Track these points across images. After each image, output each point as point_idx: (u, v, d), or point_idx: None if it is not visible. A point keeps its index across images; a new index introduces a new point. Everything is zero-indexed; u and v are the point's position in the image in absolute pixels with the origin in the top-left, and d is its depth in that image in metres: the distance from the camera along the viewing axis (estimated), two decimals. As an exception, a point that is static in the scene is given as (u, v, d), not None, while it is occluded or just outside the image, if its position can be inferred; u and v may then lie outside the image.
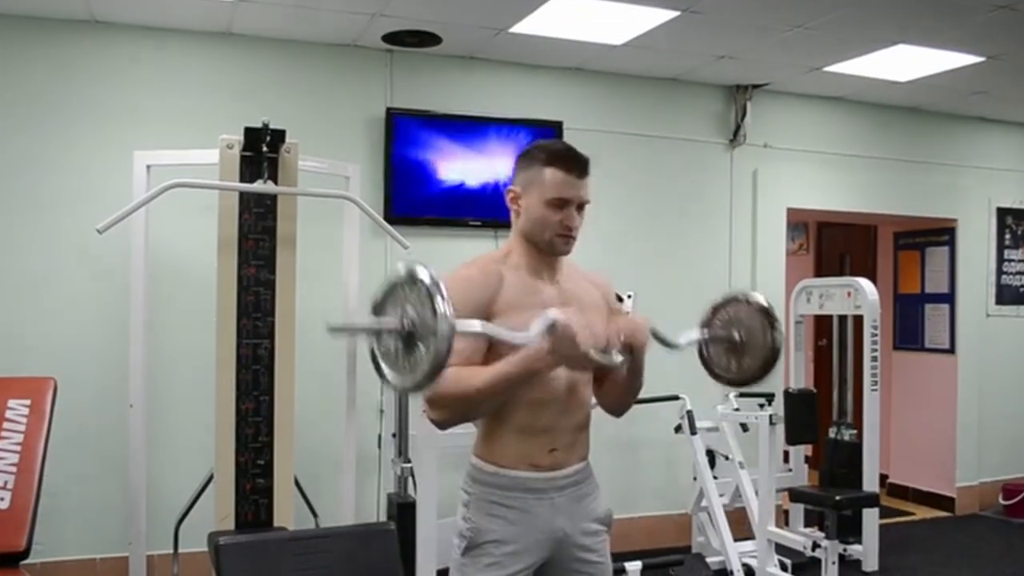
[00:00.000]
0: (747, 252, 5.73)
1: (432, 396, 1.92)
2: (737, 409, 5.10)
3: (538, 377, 1.94)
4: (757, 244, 5.75)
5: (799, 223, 7.62)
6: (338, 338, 1.73)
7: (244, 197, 3.77)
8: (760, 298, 2.16)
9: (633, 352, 2.04)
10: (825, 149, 5.93)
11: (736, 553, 4.53)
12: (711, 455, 4.92)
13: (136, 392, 4.01)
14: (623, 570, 3.81)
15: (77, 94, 4.37)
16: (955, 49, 4.83)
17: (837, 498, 4.52)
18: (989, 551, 5.43)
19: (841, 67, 5.20)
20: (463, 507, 2.09)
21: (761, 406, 4.95)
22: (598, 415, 2.28)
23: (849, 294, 5.26)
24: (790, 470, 5.43)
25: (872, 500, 4.78)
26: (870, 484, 4.92)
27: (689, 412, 4.86)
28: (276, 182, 3.81)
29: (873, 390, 5.07)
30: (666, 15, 4.34)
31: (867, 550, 4.95)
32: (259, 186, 3.76)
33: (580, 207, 2.08)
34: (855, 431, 5.29)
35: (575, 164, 2.06)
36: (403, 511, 3.97)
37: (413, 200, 4.91)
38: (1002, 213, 6.59)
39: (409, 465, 4.14)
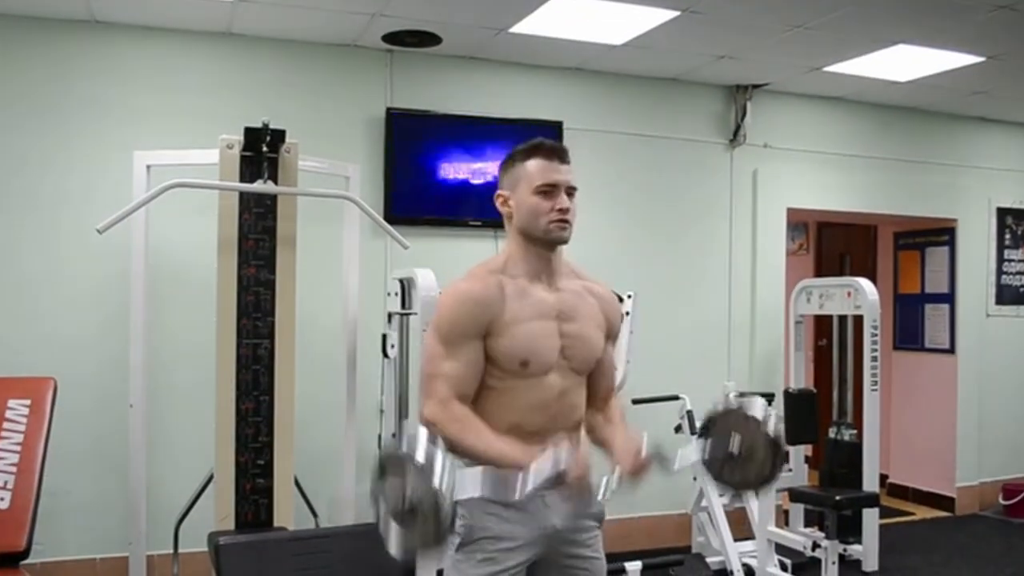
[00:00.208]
0: (747, 252, 5.73)
1: (432, 428, 1.99)
2: (737, 409, 5.09)
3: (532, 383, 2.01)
4: (757, 244, 5.75)
5: (799, 223, 7.61)
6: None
7: (244, 197, 3.77)
8: (756, 409, 2.10)
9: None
10: (825, 149, 5.93)
11: (736, 553, 4.53)
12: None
13: (136, 392, 4.01)
14: (623, 570, 3.81)
15: (77, 94, 4.37)
16: (955, 49, 4.83)
17: (837, 498, 4.53)
18: (989, 551, 5.43)
19: (841, 67, 5.20)
20: (458, 506, 2.09)
21: (761, 406, 4.94)
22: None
23: (849, 294, 5.26)
24: (790, 470, 5.42)
25: (872, 500, 4.78)
26: (870, 484, 4.92)
27: (689, 412, 4.86)
28: (276, 182, 3.81)
29: (873, 390, 5.07)
30: (666, 15, 4.34)
31: (867, 550, 4.95)
32: (259, 186, 3.76)
33: (569, 193, 2.09)
34: (855, 431, 5.29)
35: (554, 151, 2.10)
36: (403, 511, 3.96)
37: (413, 200, 4.91)
38: (1002, 213, 6.59)
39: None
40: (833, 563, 4.49)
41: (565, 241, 2.10)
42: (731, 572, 4.54)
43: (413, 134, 4.91)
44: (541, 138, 2.15)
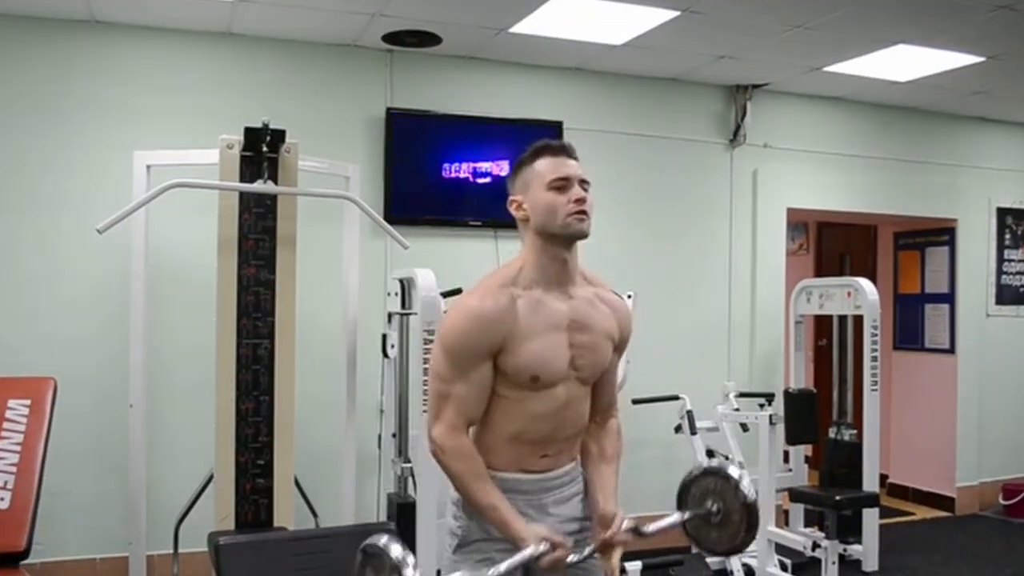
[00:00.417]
0: (747, 252, 5.73)
1: (439, 460, 2.01)
2: (737, 409, 5.10)
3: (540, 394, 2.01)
4: (757, 244, 5.75)
5: (799, 223, 7.62)
6: None
7: (244, 197, 3.77)
8: (743, 482, 2.06)
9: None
10: (825, 149, 5.93)
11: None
12: (711, 455, 4.92)
13: (136, 392, 4.01)
14: (623, 570, 3.81)
15: (77, 94, 4.37)
16: (955, 49, 4.83)
17: (837, 498, 4.53)
18: (989, 551, 5.43)
19: (841, 67, 5.20)
20: (453, 506, 2.11)
21: (761, 406, 4.95)
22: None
23: (849, 294, 5.26)
24: (790, 470, 5.44)
25: (872, 500, 4.78)
26: (870, 484, 4.92)
27: (689, 412, 4.87)
28: (276, 182, 3.80)
29: (873, 390, 5.07)
30: (666, 15, 4.34)
31: (867, 550, 4.95)
32: (259, 186, 3.76)
33: (582, 185, 2.04)
34: (855, 431, 5.29)
35: (561, 148, 2.08)
36: (403, 511, 3.97)
37: (413, 200, 4.91)
38: (1002, 213, 6.59)
39: (409, 465, 4.14)
40: (833, 563, 4.49)
41: (585, 234, 2.03)
42: (731, 572, 4.54)
43: (413, 134, 4.91)
44: (545, 139, 2.12)
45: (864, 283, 5.20)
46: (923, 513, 6.34)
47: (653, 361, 4.98)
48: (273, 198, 3.81)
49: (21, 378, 3.65)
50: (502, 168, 5.00)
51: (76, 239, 4.28)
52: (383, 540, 1.73)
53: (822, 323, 6.72)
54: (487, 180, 5.01)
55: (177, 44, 4.54)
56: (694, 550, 5.00)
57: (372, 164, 4.80)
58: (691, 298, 5.57)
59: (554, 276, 2.05)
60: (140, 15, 4.36)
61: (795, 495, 4.97)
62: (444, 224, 4.98)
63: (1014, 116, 6.43)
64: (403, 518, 3.89)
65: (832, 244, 7.77)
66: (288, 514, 3.80)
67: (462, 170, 4.99)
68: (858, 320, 5.27)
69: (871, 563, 4.95)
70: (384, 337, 4.33)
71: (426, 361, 3.53)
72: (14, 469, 3.29)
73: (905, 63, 5.11)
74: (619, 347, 2.18)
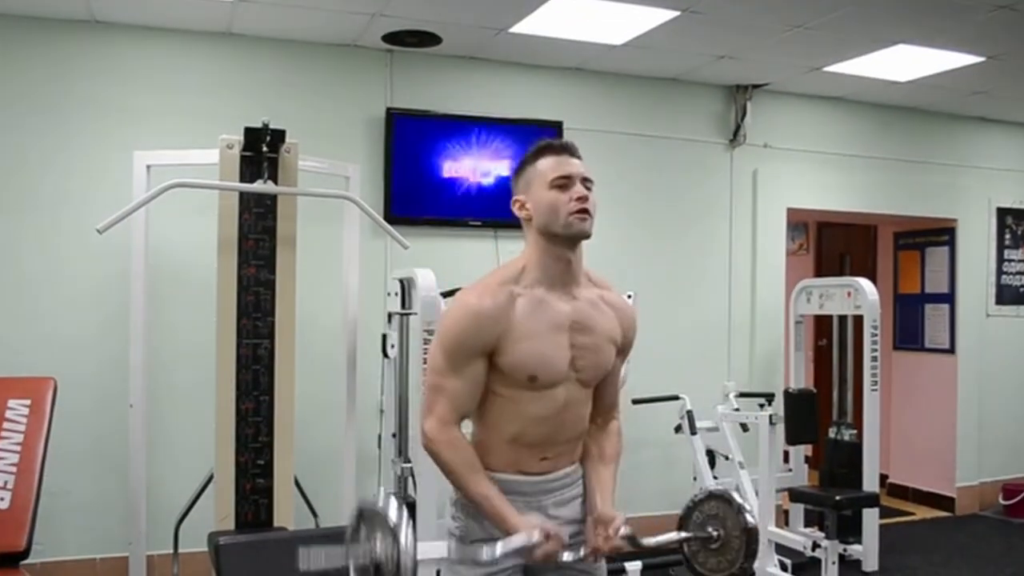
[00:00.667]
0: (747, 252, 5.73)
1: (431, 452, 2.00)
2: (737, 409, 5.10)
3: (538, 395, 2.00)
4: (757, 244, 5.75)
5: (799, 223, 7.62)
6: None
7: (244, 197, 3.77)
8: (746, 508, 2.07)
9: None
10: (825, 149, 5.93)
11: (736, 553, 4.52)
12: (711, 455, 4.92)
13: (136, 392, 4.01)
14: (623, 570, 3.80)
15: (77, 94, 4.37)
16: (955, 49, 4.83)
17: (837, 498, 4.52)
18: (989, 551, 5.43)
19: (841, 67, 5.20)
20: (451, 506, 2.10)
21: (761, 406, 4.95)
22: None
23: (849, 294, 5.26)
24: (790, 470, 5.43)
25: (872, 500, 4.78)
26: (870, 484, 4.92)
27: (689, 412, 4.87)
28: (276, 182, 3.80)
29: (873, 390, 5.07)
30: (666, 15, 4.34)
31: (867, 550, 4.95)
32: (259, 186, 3.76)
33: (585, 184, 2.03)
34: (855, 431, 5.29)
35: (563, 147, 2.06)
36: (403, 511, 3.96)
37: (413, 200, 4.91)
38: (1002, 213, 6.59)
39: (409, 465, 4.14)
40: (833, 563, 4.49)
41: (587, 234, 2.02)
42: (731, 572, 4.53)
43: (413, 134, 4.91)
44: (548, 138, 2.12)
45: (864, 283, 5.20)
46: (923, 513, 6.34)
47: (653, 361, 4.97)
48: (273, 198, 3.81)
49: (21, 378, 3.65)
50: (502, 168, 5.00)
51: (76, 239, 4.28)
52: (380, 501, 1.74)
53: (822, 323, 6.72)
54: (487, 180, 5.01)
55: (177, 44, 4.54)
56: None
57: (372, 164, 4.80)
58: (691, 298, 5.57)
59: (557, 276, 2.04)
60: (140, 15, 4.36)
61: (795, 495, 4.97)
62: (444, 224, 4.98)
63: (1014, 116, 6.43)
64: (403, 518, 3.88)
65: (832, 244, 7.77)
66: (288, 514, 3.80)
67: (462, 170, 4.99)
68: (858, 320, 5.27)
69: (871, 563, 4.95)
70: (384, 337, 4.33)
71: (426, 361, 3.53)
72: (14, 469, 3.29)
73: (905, 63, 5.11)
74: (622, 350, 2.16)
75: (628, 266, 5.19)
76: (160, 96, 4.48)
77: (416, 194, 4.92)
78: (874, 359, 5.08)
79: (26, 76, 4.30)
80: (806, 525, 5.29)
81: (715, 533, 2.04)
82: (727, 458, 4.96)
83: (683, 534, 2.08)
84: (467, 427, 2.14)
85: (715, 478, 4.83)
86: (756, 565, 4.71)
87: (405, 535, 1.67)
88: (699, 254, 5.62)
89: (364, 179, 4.55)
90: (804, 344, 5.76)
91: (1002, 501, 6.28)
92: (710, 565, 2.07)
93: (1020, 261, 6.68)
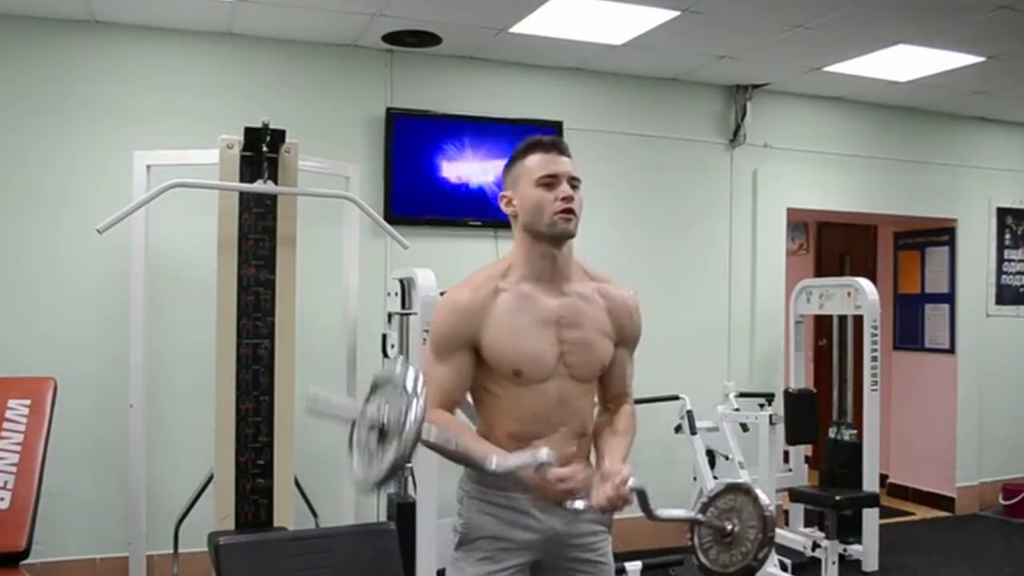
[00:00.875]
0: (747, 252, 5.73)
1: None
2: (737, 409, 5.10)
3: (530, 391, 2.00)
4: (757, 244, 5.75)
5: (799, 223, 7.62)
6: (315, 416, 1.82)
7: (244, 197, 3.77)
8: (763, 497, 2.02)
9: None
10: (825, 149, 5.93)
11: (736, 553, 4.52)
12: (711, 455, 4.92)
13: (136, 392, 4.01)
14: (623, 570, 3.81)
15: (77, 94, 4.37)
16: (955, 49, 4.83)
17: (837, 498, 4.53)
18: (989, 551, 5.43)
19: (841, 67, 5.20)
20: (458, 503, 2.11)
21: (761, 406, 4.95)
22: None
23: (849, 294, 5.26)
24: (790, 470, 5.44)
25: (872, 500, 4.78)
26: (870, 484, 4.92)
27: (689, 412, 4.87)
28: (276, 182, 3.80)
29: (873, 390, 5.07)
30: (666, 15, 4.34)
31: (867, 550, 4.95)
32: (259, 186, 3.76)
33: (572, 183, 2.03)
34: (855, 431, 5.30)
35: (551, 144, 2.07)
36: (403, 511, 3.96)
37: (413, 200, 4.91)
38: (1002, 213, 6.59)
39: (409, 465, 4.14)
40: (833, 563, 4.50)
41: (571, 234, 2.03)
42: (731, 572, 4.53)
43: (413, 134, 4.91)
44: (538, 135, 2.13)
45: (864, 283, 5.21)
46: (923, 513, 6.34)
47: (653, 361, 4.92)
48: (273, 198, 3.81)
49: (21, 378, 3.65)
50: (502, 168, 4.99)
51: (76, 239, 4.28)
52: (397, 367, 1.75)
53: (822, 323, 6.72)
54: (487, 180, 5.01)
55: (177, 44, 4.54)
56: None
57: (372, 164, 4.80)
58: (691, 298, 5.56)
59: (544, 272, 2.06)
60: (140, 15, 4.36)
61: (795, 495, 4.97)
62: (444, 224, 4.98)
63: (1014, 116, 6.43)
64: (403, 518, 3.89)
65: (832, 244, 7.77)
66: (288, 514, 3.80)
67: (462, 170, 4.99)
68: (858, 320, 5.27)
69: (871, 563, 4.95)
70: (384, 337, 4.33)
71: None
72: (14, 469, 3.29)
73: (905, 63, 5.11)
74: (622, 341, 2.16)
75: (628, 266, 5.18)
76: (160, 96, 4.48)
77: (416, 194, 4.92)
78: (874, 359, 5.08)
79: (26, 76, 4.30)
80: (806, 525, 5.29)
81: (730, 527, 2.03)
82: (727, 458, 4.96)
83: (699, 516, 2.06)
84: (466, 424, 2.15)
85: (715, 478, 4.83)
86: (756, 565, 4.70)
87: (413, 409, 1.66)
88: (699, 254, 5.62)
89: (364, 179, 4.55)
90: (804, 344, 5.76)
91: (1002, 501, 6.28)
92: (722, 561, 2.03)
93: (1020, 261, 6.68)
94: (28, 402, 3.46)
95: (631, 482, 1.94)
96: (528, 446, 2.00)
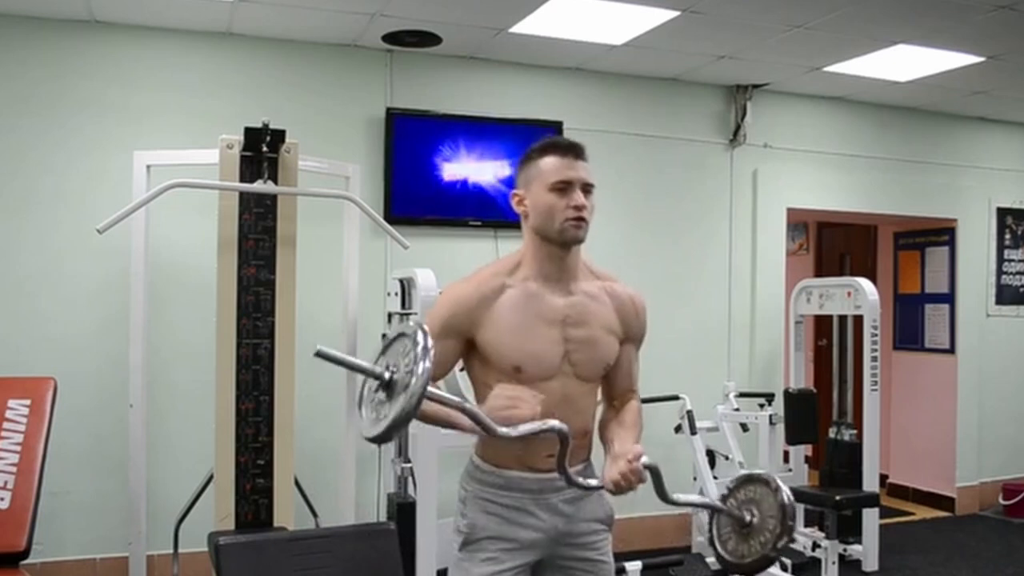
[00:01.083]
0: (747, 252, 5.73)
1: None
2: (737, 409, 5.10)
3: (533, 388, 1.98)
4: (757, 244, 5.75)
5: (799, 223, 7.62)
6: (324, 359, 1.82)
7: (244, 197, 3.77)
8: (784, 488, 2.02)
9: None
10: (825, 149, 5.93)
11: (736, 553, 4.52)
12: (711, 455, 4.92)
13: (136, 392, 4.01)
14: (623, 570, 3.81)
15: (77, 94, 4.37)
16: (955, 49, 4.83)
17: (837, 498, 4.53)
18: (989, 551, 5.43)
19: (841, 67, 5.20)
20: (460, 503, 2.11)
21: (761, 406, 4.95)
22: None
23: (849, 294, 5.26)
24: (790, 470, 5.43)
25: (872, 500, 4.78)
26: (870, 484, 4.92)
27: (689, 412, 4.87)
28: (276, 182, 3.80)
29: (873, 390, 5.07)
30: (666, 15, 4.34)
31: (867, 550, 4.95)
32: (259, 186, 3.76)
33: (585, 190, 2.04)
34: (855, 431, 5.30)
35: (569, 148, 2.05)
36: (403, 511, 3.97)
37: (413, 200, 4.91)
38: (1002, 213, 6.59)
39: (409, 465, 4.14)
40: (833, 563, 4.49)
41: (580, 241, 2.05)
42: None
43: (413, 134, 4.91)
44: (557, 136, 2.12)
45: (864, 283, 5.21)
46: (923, 513, 6.34)
47: (653, 361, 4.92)
48: (273, 198, 3.81)
49: (21, 378, 3.65)
50: (502, 168, 5.00)
51: (76, 239, 4.28)
52: (409, 325, 1.75)
53: (822, 323, 6.72)
54: (487, 180, 5.01)
55: (177, 44, 4.54)
56: (694, 550, 5.02)
57: (372, 164, 4.80)
58: (691, 298, 5.56)
59: (552, 272, 2.06)
60: (140, 15, 4.36)
61: (795, 495, 4.91)
62: (444, 224, 4.98)
63: (1014, 116, 6.43)
64: (403, 518, 3.89)
65: (832, 244, 7.78)
66: (288, 514, 3.80)
67: (462, 170, 4.99)
68: (858, 320, 5.27)
69: (871, 563, 4.95)
70: (384, 337, 4.33)
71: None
72: (14, 469, 3.29)
73: (905, 63, 5.11)
74: (628, 339, 2.17)
75: (628, 266, 5.17)
76: (160, 96, 4.48)
77: (416, 194, 4.92)
78: (874, 359, 5.08)
79: (26, 76, 4.30)
80: (806, 525, 5.28)
81: (748, 517, 2.01)
82: (727, 458, 4.96)
83: (718, 504, 2.04)
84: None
85: (715, 478, 4.83)
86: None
87: (422, 362, 1.65)
88: (699, 254, 5.62)
89: (364, 179, 4.55)
90: (804, 344, 5.76)
91: (1002, 501, 6.28)
92: (740, 551, 2.04)
93: (1020, 261, 6.68)
94: (28, 402, 3.46)
95: (644, 459, 1.94)
96: (529, 445, 2.01)
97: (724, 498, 2.07)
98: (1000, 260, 6.59)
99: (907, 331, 6.72)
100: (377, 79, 4.90)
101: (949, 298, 6.43)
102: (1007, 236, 6.62)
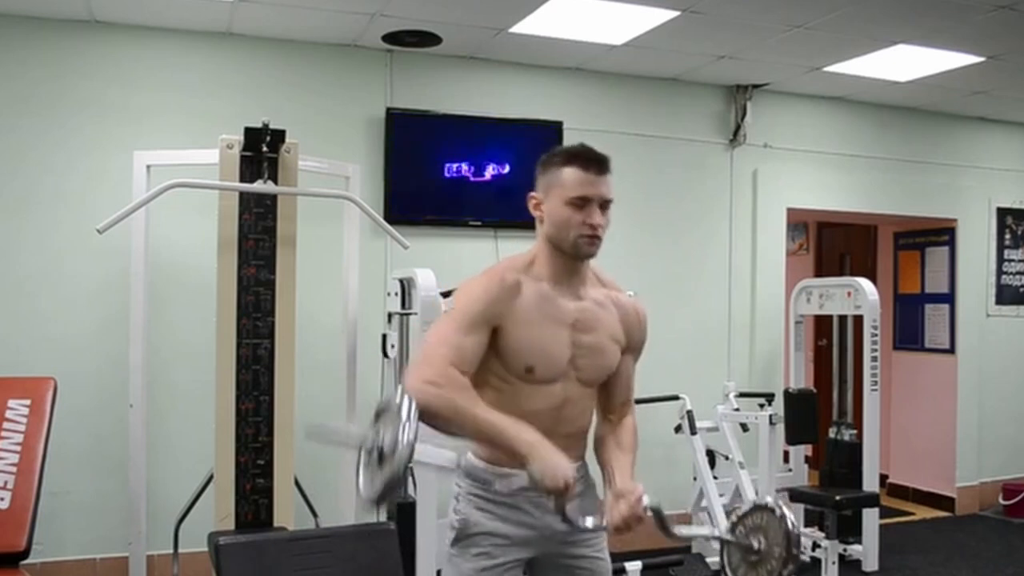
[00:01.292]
0: (747, 252, 5.73)
1: (432, 398, 1.90)
2: (737, 409, 5.10)
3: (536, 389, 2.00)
4: (757, 244, 5.75)
5: (799, 223, 7.62)
6: (315, 440, 1.97)
7: (244, 197, 3.77)
8: (789, 516, 2.00)
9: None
10: (825, 149, 5.93)
11: (736, 553, 4.52)
12: (711, 455, 4.92)
13: (136, 392, 4.01)
14: (623, 570, 3.80)
15: (77, 94, 4.37)
16: (955, 49, 4.83)
17: (837, 498, 4.53)
18: (989, 551, 5.43)
19: (841, 67, 5.20)
20: (454, 500, 2.12)
21: (761, 406, 4.95)
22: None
23: (849, 294, 5.26)
24: (790, 470, 5.43)
25: (872, 500, 4.78)
26: (870, 484, 4.92)
27: (689, 412, 4.86)
28: (276, 182, 3.81)
29: (873, 390, 5.07)
30: (666, 15, 4.34)
31: (867, 550, 4.95)
32: (259, 186, 3.76)
33: (603, 206, 2.04)
34: (855, 431, 5.30)
35: (593, 162, 2.03)
36: (403, 511, 3.97)
37: (413, 200, 4.91)
38: (1002, 213, 6.59)
39: (409, 465, 4.14)
40: (833, 563, 4.50)
41: (591, 256, 2.07)
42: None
43: (413, 134, 4.91)
44: (584, 145, 2.08)
45: (864, 283, 5.20)
46: (923, 513, 6.34)
47: (653, 361, 4.90)
48: (273, 198, 3.81)
49: (21, 378, 3.65)
50: (502, 168, 5.00)
51: (76, 239, 4.28)
52: (396, 396, 1.85)
53: (822, 323, 6.72)
54: (487, 180, 5.01)
55: (177, 44, 4.54)
56: (694, 550, 5.01)
57: (372, 164, 4.80)
58: (691, 298, 5.56)
59: (564, 277, 2.08)
60: (140, 15, 4.36)
61: (795, 495, 4.96)
62: (444, 224, 4.98)
63: (1014, 116, 6.43)
64: (403, 518, 3.89)
65: (832, 244, 7.77)
66: (288, 514, 3.80)
67: (462, 170, 4.99)
68: (858, 320, 5.27)
69: (871, 563, 4.95)
70: (384, 337, 4.33)
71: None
72: (14, 469, 3.29)
73: (905, 63, 5.11)
74: (630, 349, 2.19)
75: (628, 266, 5.18)
76: (160, 96, 4.48)
77: (416, 194, 4.92)
78: (874, 359, 5.08)
79: (26, 76, 4.30)
80: (806, 525, 5.28)
81: (756, 545, 2.02)
82: (727, 458, 4.96)
83: (724, 534, 2.05)
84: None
85: (715, 478, 4.83)
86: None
87: (406, 433, 1.76)
88: (699, 254, 5.62)
89: (364, 179, 4.55)
90: (804, 344, 5.76)
91: (1002, 501, 6.29)
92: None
93: (1020, 261, 6.68)
94: (28, 402, 3.46)
95: (645, 500, 1.95)
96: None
97: (734, 525, 2.08)
98: (1000, 260, 6.59)
99: (907, 331, 6.72)
100: (377, 79, 4.90)
101: (949, 298, 6.43)
102: (1007, 236, 6.62)
